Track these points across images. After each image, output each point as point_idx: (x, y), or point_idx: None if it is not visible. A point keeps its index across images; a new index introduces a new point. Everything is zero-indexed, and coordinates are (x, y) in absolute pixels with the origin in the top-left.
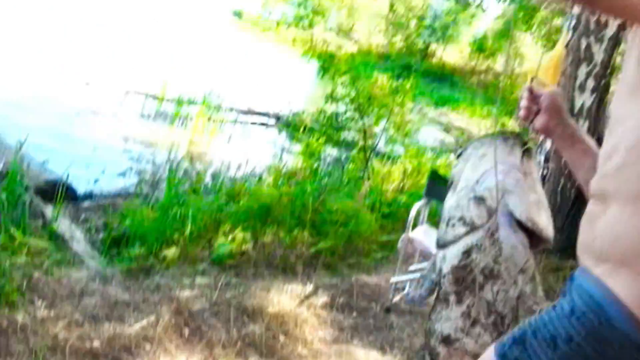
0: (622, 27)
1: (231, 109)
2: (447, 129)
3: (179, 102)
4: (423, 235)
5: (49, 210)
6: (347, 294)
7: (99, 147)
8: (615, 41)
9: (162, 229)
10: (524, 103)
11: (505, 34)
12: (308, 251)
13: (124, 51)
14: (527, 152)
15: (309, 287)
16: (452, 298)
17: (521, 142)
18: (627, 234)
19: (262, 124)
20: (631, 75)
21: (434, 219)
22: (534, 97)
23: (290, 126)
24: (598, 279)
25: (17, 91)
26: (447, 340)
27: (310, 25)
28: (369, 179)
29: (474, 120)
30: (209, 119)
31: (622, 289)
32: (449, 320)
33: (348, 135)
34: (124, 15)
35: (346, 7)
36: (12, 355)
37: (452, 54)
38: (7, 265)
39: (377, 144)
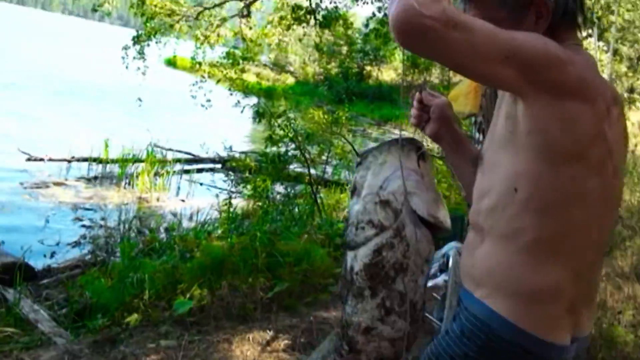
0: None
1: (177, 160)
2: None
3: (122, 161)
4: None
5: (10, 294)
6: (307, 333)
7: (50, 219)
8: None
9: (121, 297)
10: (414, 112)
11: None
12: (265, 296)
13: (55, 115)
14: (422, 156)
15: (270, 333)
16: (367, 292)
17: (416, 146)
18: (499, 267)
19: (209, 170)
20: (500, 130)
21: None
22: (424, 106)
23: (237, 169)
24: (480, 301)
25: None
26: (366, 330)
27: (243, 70)
28: (319, 211)
29: (418, 134)
30: (155, 174)
31: (501, 307)
32: (365, 312)
33: (295, 169)
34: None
35: (275, 46)
36: None
37: (388, 73)
38: None
39: (322, 175)
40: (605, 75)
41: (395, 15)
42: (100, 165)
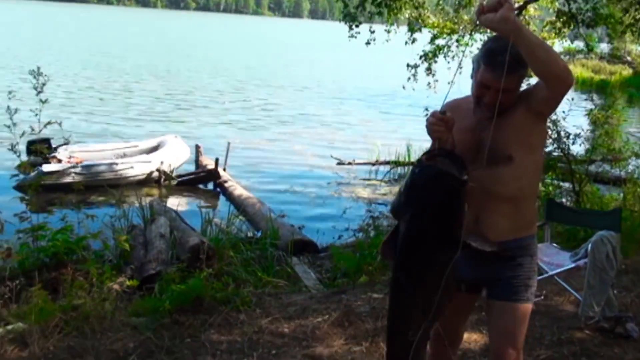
0: None
1: None
2: None
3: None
4: (544, 250)
5: (292, 260)
6: None
7: (347, 211)
8: None
9: (360, 264)
10: (440, 129)
11: None
12: None
13: (361, 122)
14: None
15: None
16: None
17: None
18: (533, 214)
19: None
20: (530, 139)
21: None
22: (447, 124)
23: None
24: (528, 236)
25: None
26: None
27: None
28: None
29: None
30: None
31: (534, 231)
32: None
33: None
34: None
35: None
36: (233, 329)
37: None
38: (246, 293)
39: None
40: None
41: (565, 68)
42: (399, 168)
